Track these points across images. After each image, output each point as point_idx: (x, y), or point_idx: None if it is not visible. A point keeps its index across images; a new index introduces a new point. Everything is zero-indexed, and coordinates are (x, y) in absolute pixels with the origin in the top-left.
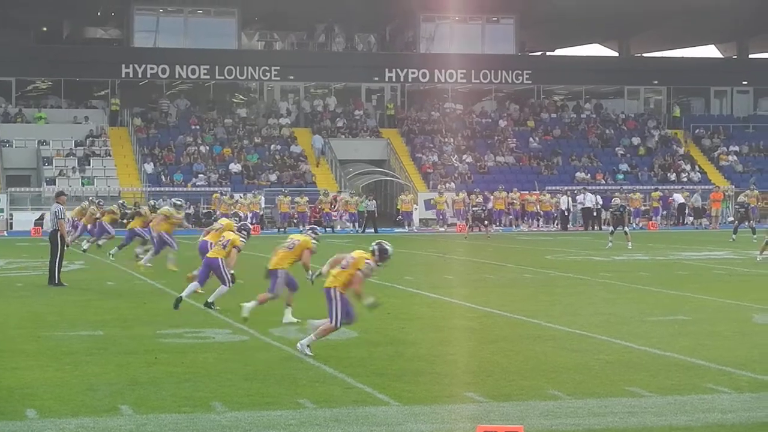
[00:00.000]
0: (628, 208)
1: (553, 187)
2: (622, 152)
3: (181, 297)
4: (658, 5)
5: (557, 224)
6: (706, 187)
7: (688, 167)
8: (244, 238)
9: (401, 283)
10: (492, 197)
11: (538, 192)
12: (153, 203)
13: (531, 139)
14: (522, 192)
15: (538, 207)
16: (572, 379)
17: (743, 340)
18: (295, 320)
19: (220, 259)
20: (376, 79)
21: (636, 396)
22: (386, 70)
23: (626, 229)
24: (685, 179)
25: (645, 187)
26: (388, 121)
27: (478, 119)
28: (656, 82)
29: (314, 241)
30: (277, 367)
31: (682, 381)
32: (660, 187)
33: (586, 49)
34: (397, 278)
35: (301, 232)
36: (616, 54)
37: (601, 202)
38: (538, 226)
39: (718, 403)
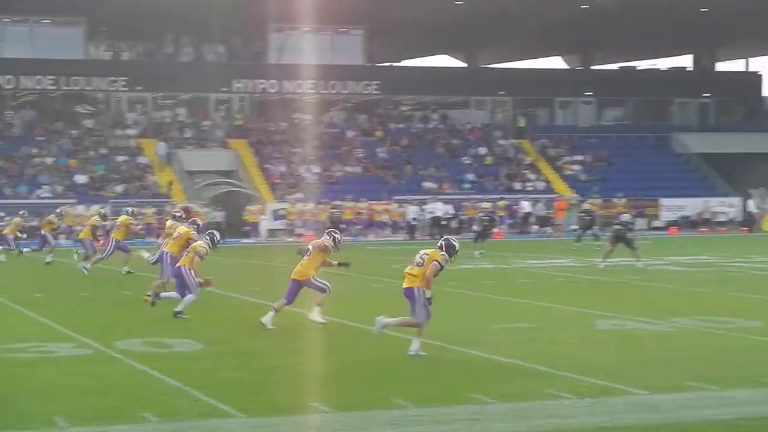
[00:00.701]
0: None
1: (401, 197)
2: (468, 162)
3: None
4: (505, 17)
5: (405, 233)
6: (551, 195)
7: (533, 176)
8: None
9: (246, 294)
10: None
11: (385, 202)
12: (104, 212)
13: (379, 149)
14: (370, 202)
15: (385, 217)
16: (417, 387)
17: (585, 346)
18: (321, 320)
19: (184, 267)
20: (225, 89)
21: (479, 403)
22: (235, 80)
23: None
24: (531, 188)
25: (491, 196)
26: (236, 131)
27: (327, 129)
28: (502, 92)
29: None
30: (121, 380)
31: (525, 387)
32: (506, 196)
33: (434, 60)
34: (242, 289)
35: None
36: (463, 65)
37: (452, 212)
38: (386, 235)
39: (559, 408)
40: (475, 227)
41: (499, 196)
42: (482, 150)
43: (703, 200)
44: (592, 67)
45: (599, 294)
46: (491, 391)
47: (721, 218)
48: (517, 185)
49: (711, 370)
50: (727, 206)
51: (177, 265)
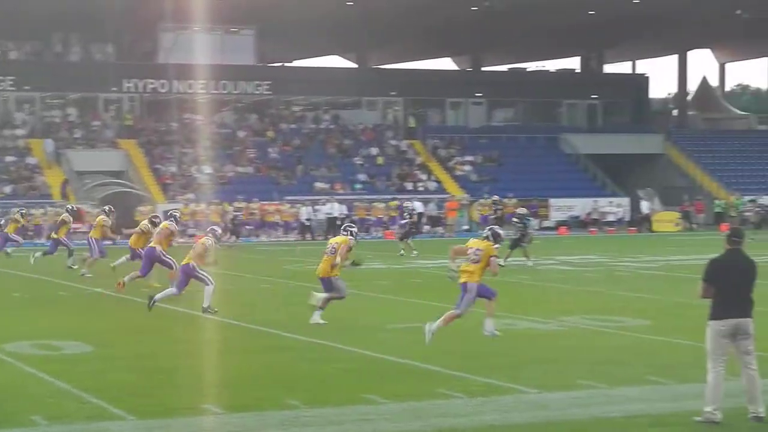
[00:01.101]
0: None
1: (293, 198)
2: (360, 162)
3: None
4: (396, 18)
5: (297, 234)
6: (442, 196)
7: (424, 177)
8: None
9: (138, 295)
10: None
11: (277, 202)
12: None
13: (270, 150)
14: (262, 202)
15: (277, 217)
16: (310, 388)
17: (477, 345)
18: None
19: (191, 264)
20: (115, 89)
21: (372, 403)
22: (125, 80)
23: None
24: (422, 188)
25: (383, 197)
26: (126, 131)
27: (218, 130)
28: (394, 93)
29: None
30: (9, 383)
31: (417, 387)
32: (398, 197)
33: (326, 61)
34: (134, 291)
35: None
36: (354, 66)
37: (346, 212)
38: (279, 236)
39: (451, 408)
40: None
41: (391, 197)
42: (374, 150)
43: (591, 200)
44: (483, 69)
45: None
46: (384, 391)
47: (610, 218)
48: (409, 185)
49: (600, 369)
50: (615, 206)
51: (184, 263)
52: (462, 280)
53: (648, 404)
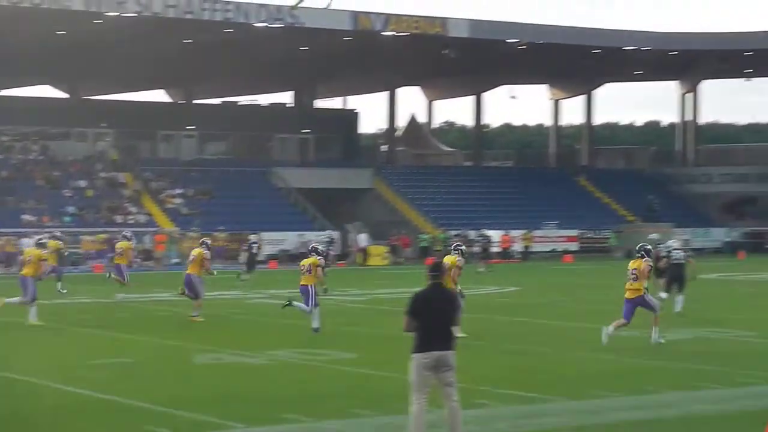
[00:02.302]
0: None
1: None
2: (69, 194)
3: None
4: (108, 49)
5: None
6: (153, 229)
7: (135, 209)
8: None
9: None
10: None
11: None
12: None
13: None
14: None
15: None
16: (11, 428)
17: (185, 380)
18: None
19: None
20: None
21: None
22: None
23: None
24: (132, 221)
25: (92, 229)
26: None
27: None
28: (104, 124)
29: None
30: None
31: (123, 424)
32: (108, 229)
33: (36, 90)
34: None
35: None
36: (65, 96)
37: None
38: None
39: None
40: (241, 258)
41: (101, 230)
42: (83, 182)
43: (299, 234)
44: (195, 101)
45: (198, 328)
46: (87, 430)
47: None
48: (119, 218)
49: (307, 402)
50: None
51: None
52: (628, 296)
53: None
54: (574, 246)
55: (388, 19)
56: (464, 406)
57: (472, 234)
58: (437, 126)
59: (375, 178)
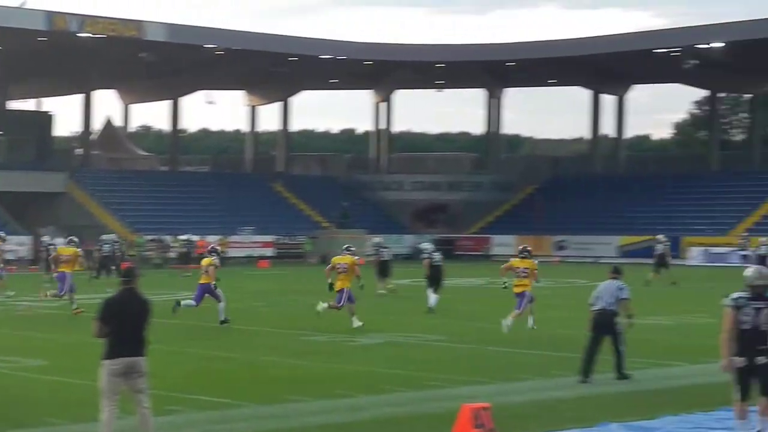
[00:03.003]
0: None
1: None
2: None
3: None
4: None
5: None
6: None
7: None
8: None
9: None
10: None
11: None
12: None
13: None
14: None
15: None
16: None
17: None
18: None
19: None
20: None
21: None
22: None
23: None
24: None
25: None
26: None
27: None
28: None
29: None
30: None
31: None
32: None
33: None
34: None
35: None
36: None
37: None
38: None
39: None
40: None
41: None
42: None
43: None
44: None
45: None
46: None
47: (9, 256)
48: None
49: None
50: (16, 245)
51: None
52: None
53: None
54: (270, 251)
55: (84, 20)
56: (156, 413)
57: (168, 239)
58: (134, 130)
59: (69, 181)
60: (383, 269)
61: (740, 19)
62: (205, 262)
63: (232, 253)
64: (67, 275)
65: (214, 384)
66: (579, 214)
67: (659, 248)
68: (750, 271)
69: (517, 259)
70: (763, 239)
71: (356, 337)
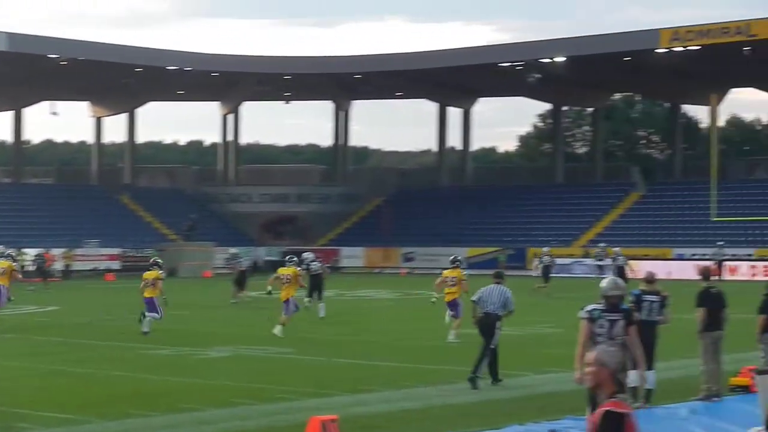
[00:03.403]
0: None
1: None
2: None
3: None
4: None
5: None
6: None
7: None
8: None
9: None
10: None
11: None
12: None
13: None
14: None
15: None
16: None
17: None
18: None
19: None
20: None
21: None
22: None
23: None
24: None
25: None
26: None
27: None
28: None
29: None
30: None
31: None
32: None
33: None
34: None
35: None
36: None
37: None
38: None
39: None
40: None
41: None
42: None
43: None
44: None
45: None
46: None
47: None
48: None
49: None
50: None
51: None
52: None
53: None
54: (116, 264)
55: None
56: (2, 430)
57: (11, 251)
58: None
59: None
60: (240, 279)
61: (580, 35)
62: (151, 275)
63: (78, 266)
64: None
65: (60, 399)
66: (426, 225)
67: (545, 260)
68: (605, 282)
69: (448, 270)
70: (616, 249)
71: (203, 350)
